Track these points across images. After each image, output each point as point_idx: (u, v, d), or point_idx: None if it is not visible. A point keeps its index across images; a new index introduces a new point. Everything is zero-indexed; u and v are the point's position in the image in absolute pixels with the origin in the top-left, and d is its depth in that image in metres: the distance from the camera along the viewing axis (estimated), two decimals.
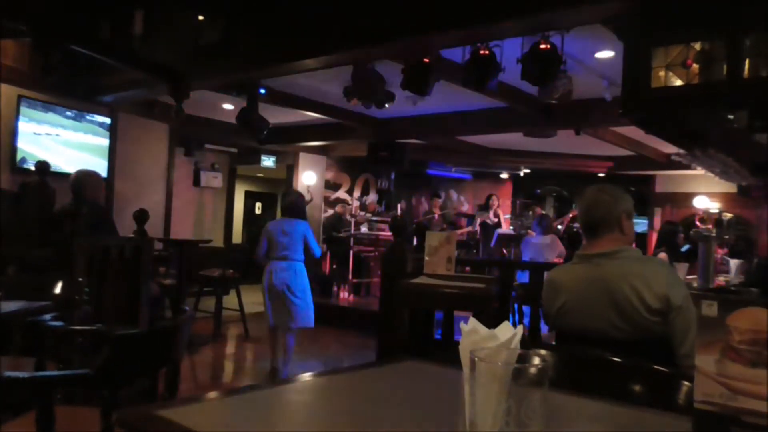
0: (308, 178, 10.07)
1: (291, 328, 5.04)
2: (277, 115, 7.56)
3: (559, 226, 9.56)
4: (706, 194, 10.21)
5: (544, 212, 9.80)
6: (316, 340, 7.19)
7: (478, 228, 9.45)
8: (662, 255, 5.73)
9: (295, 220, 5.03)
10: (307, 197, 9.70)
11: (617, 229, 2.20)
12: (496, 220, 9.24)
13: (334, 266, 9.51)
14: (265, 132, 6.51)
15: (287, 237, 4.98)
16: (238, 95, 6.27)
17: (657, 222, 10.51)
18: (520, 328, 0.82)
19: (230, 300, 7.58)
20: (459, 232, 9.94)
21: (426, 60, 4.59)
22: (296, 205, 5.15)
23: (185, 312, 2.22)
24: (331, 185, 10.84)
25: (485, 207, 9.44)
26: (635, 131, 7.27)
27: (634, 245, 2.24)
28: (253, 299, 8.07)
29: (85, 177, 4.87)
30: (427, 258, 3.62)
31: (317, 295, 8.79)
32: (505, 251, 9.56)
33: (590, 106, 6.17)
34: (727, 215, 10.04)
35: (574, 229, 7.11)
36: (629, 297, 2.06)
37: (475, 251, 9.46)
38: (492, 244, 8.87)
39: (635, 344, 2.04)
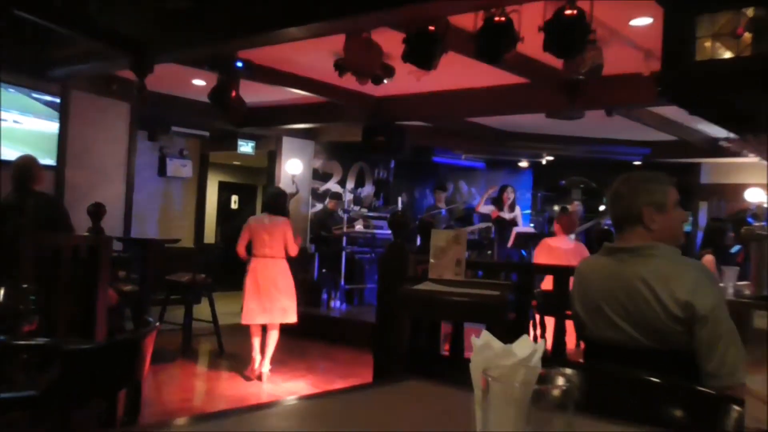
0: (293, 166, 10.07)
1: (274, 325, 5.97)
2: (257, 93, 7.56)
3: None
4: (759, 186, 10.22)
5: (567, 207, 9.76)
6: (303, 357, 7.20)
7: (478, 218, 9.45)
8: (708, 257, 5.73)
9: (277, 216, 6.00)
10: (292, 189, 9.70)
11: (640, 224, 2.23)
12: (512, 216, 9.23)
13: (324, 270, 9.52)
14: (242, 113, 6.50)
15: (270, 234, 5.93)
16: (211, 70, 6.25)
17: (702, 218, 10.53)
18: (541, 343, 0.82)
19: (202, 310, 7.58)
20: (469, 229, 9.94)
21: (431, 28, 4.59)
22: (278, 200, 6.10)
23: (149, 323, 2.22)
24: (320, 175, 10.84)
25: (498, 200, 9.44)
26: (677, 112, 7.27)
27: (676, 243, 2.24)
28: (228, 308, 8.08)
29: (29, 164, 4.86)
30: (432, 260, 3.62)
31: (303, 305, 8.85)
32: (524, 252, 9.55)
33: (624, 83, 6.17)
34: None
35: (605, 227, 7.07)
36: (648, 300, 2.08)
37: (489, 252, 9.47)
38: (509, 244, 8.87)
39: (661, 356, 2.05)
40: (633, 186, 2.26)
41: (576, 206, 10.08)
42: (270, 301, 5.83)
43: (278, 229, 5.92)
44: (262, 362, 6.00)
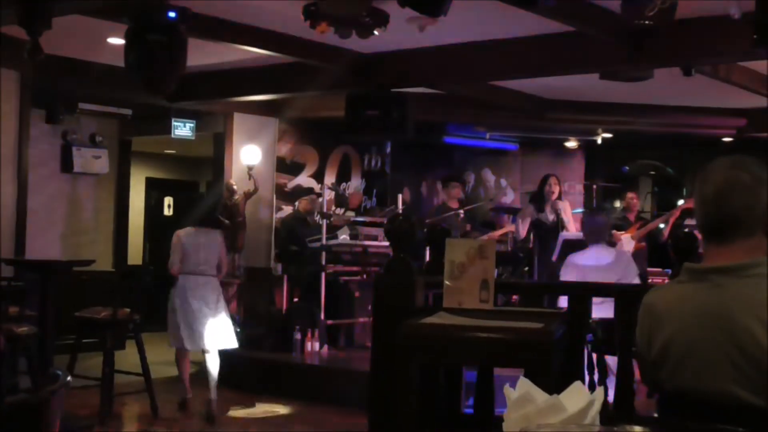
0: (249, 154, 10.08)
1: (209, 350, 7.17)
2: (197, 54, 7.55)
3: (662, 225, 9.59)
4: None
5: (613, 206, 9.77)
6: (269, 422, 7.20)
7: (524, 232, 9.45)
8: None
9: (210, 230, 7.44)
10: (248, 186, 9.72)
11: (759, 231, 2.22)
12: (553, 217, 9.25)
13: (296, 299, 9.52)
14: (176, 81, 6.50)
15: (205, 251, 7.23)
16: (132, 22, 6.26)
17: None
18: (600, 392, 0.84)
19: (126, 357, 7.58)
20: (497, 233, 9.91)
21: None
22: (210, 213, 7.80)
23: (56, 378, 2.24)
24: (288, 166, 10.85)
25: (539, 197, 9.46)
26: None
27: None
28: (163, 355, 8.08)
29: None
30: (448, 282, 3.64)
31: (268, 348, 8.84)
32: None
33: (707, 29, 6.20)
34: None
35: (686, 231, 7.02)
36: (758, 338, 2.08)
37: (527, 268, 9.49)
38: (554, 256, 8.89)
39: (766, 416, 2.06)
40: (757, 173, 2.22)
41: (632, 199, 10.07)
42: (204, 324, 7.07)
43: (213, 245, 7.32)
44: (209, 394, 7.06)
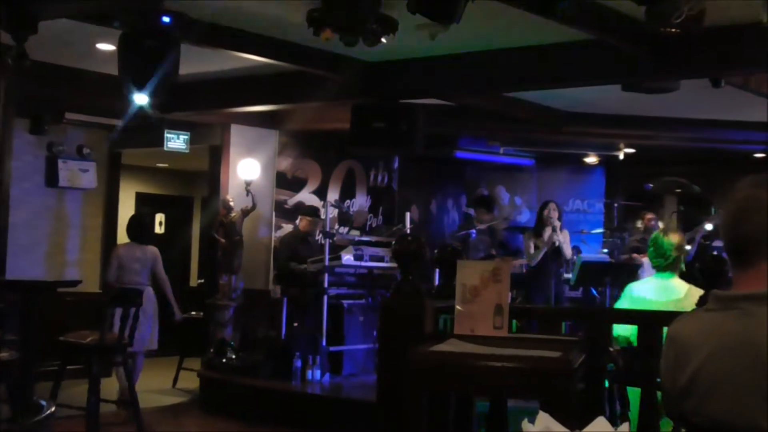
0: (247, 169, 10.09)
1: (139, 352, 8.19)
2: (192, 61, 7.59)
3: (687, 246, 9.58)
4: None
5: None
6: None
7: (531, 251, 9.48)
8: None
9: (146, 246, 8.45)
10: (246, 203, 9.73)
11: None
12: (549, 240, 9.26)
13: (296, 324, 9.51)
14: (169, 90, 6.52)
15: (140, 264, 8.30)
16: (123, 28, 6.29)
17: None
18: (625, 427, 0.84)
19: (113, 385, 7.56)
20: (518, 262, 9.89)
21: None
22: (144, 228, 8.82)
23: (39, 408, 2.25)
24: (288, 181, 10.86)
25: (538, 223, 9.51)
26: None
27: None
28: (153, 382, 8.07)
29: None
30: (459, 307, 3.63)
31: (267, 375, 8.83)
32: (594, 291, 9.55)
33: (736, 37, 6.21)
34: None
35: (714, 254, 6.93)
36: None
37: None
38: (573, 280, 8.91)
39: None
40: None
41: (650, 221, 10.04)
42: (137, 330, 7.53)
43: (149, 259, 8.34)
44: (129, 390, 7.52)
